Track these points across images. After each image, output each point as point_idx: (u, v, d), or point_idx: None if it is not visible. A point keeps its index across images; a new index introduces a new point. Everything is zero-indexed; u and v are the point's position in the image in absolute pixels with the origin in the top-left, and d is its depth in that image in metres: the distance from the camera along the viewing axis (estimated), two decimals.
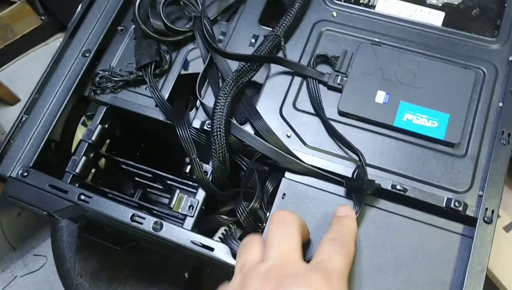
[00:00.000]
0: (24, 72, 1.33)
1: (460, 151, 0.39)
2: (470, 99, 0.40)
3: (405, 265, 0.37)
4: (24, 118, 0.45)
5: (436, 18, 0.45)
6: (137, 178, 0.52)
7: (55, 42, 1.39)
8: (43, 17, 1.33)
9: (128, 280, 0.56)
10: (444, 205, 0.37)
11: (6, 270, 1.15)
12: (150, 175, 0.48)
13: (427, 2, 0.46)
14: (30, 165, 0.42)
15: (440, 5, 0.45)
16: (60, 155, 0.47)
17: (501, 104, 0.40)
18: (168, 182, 0.47)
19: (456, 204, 0.37)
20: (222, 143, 0.40)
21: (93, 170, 0.46)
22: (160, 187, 0.53)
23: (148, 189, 0.56)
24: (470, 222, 0.37)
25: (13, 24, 1.28)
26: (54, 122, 0.44)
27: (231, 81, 0.41)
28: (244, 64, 0.42)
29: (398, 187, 0.38)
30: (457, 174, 0.38)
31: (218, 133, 0.39)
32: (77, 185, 0.43)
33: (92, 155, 0.45)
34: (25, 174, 0.42)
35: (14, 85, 1.27)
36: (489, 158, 0.38)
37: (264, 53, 0.43)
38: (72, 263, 0.60)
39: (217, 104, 0.40)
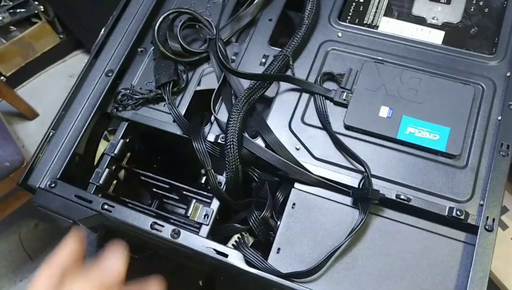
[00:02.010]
0: (43, 88, 1.39)
1: (461, 162, 0.41)
2: (469, 113, 0.42)
3: (409, 272, 0.39)
4: (51, 133, 0.48)
5: (436, 37, 0.47)
6: (154, 189, 0.55)
7: (73, 59, 1.44)
8: (61, 36, 1.39)
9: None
10: (446, 214, 0.39)
11: (24, 280, 1.18)
12: (167, 186, 0.51)
13: (427, 22, 0.48)
14: (57, 177, 0.46)
15: (440, 24, 0.48)
16: (83, 167, 0.50)
17: (499, 118, 0.42)
18: (184, 192, 0.50)
19: (458, 213, 0.39)
20: (235, 155, 0.42)
21: (114, 182, 0.49)
22: (176, 197, 0.55)
23: (164, 200, 0.58)
24: (472, 230, 0.39)
25: (34, 42, 1.34)
26: (79, 137, 0.47)
27: (243, 98, 0.44)
28: (255, 82, 0.45)
29: (402, 196, 0.40)
30: (458, 184, 0.40)
31: (231, 146, 0.42)
32: (100, 196, 0.46)
33: (114, 167, 0.48)
34: (53, 185, 0.45)
35: (33, 101, 1.32)
36: (489, 169, 0.40)
37: (274, 72, 0.46)
38: None
39: (230, 119, 0.43)
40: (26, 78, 1.40)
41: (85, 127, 0.48)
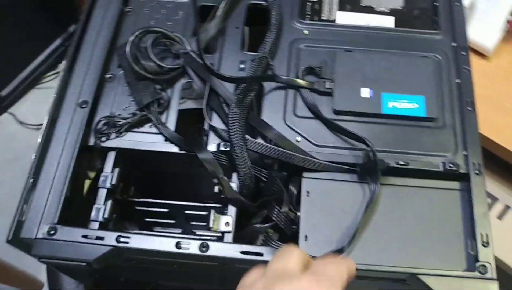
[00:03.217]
0: None
1: (440, 123, 0.47)
2: (435, 81, 0.49)
3: (424, 229, 0.43)
4: (31, 180, 0.44)
5: (388, 22, 0.53)
6: (147, 218, 0.53)
7: None
8: None
9: None
10: (442, 169, 0.44)
11: None
12: (165, 210, 0.50)
13: (376, 10, 0.54)
14: (55, 222, 0.42)
15: (387, 11, 0.54)
16: (74, 208, 0.47)
17: (458, 80, 0.49)
18: (188, 211, 0.49)
19: (451, 165, 0.44)
20: (246, 158, 0.43)
21: (113, 215, 0.46)
22: (171, 221, 0.54)
23: (157, 227, 0.56)
24: (464, 178, 0.45)
25: None
26: (69, 176, 0.44)
27: (236, 102, 0.45)
28: (242, 86, 0.47)
29: (401, 162, 0.45)
30: (443, 142, 0.46)
31: (241, 149, 0.43)
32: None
33: (112, 200, 0.46)
34: (53, 232, 0.41)
35: None
36: (463, 124, 0.46)
37: (259, 74, 0.48)
38: None
39: (231, 123, 0.44)
40: None
41: (72, 165, 0.45)
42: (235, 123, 0.44)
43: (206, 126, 0.47)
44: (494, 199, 0.72)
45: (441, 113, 0.47)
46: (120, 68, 0.51)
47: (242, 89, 0.46)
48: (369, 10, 0.54)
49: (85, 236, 0.41)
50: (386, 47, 0.51)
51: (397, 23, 0.53)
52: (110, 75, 0.51)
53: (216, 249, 0.41)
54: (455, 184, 0.45)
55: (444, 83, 0.49)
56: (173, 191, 0.52)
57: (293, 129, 0.47)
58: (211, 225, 0.43)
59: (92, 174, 0.50)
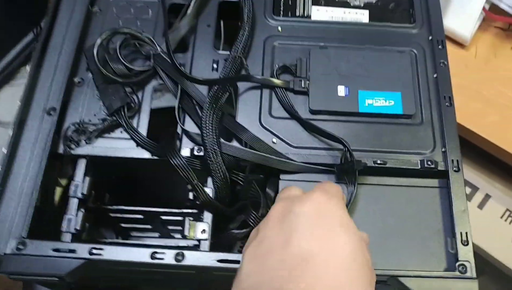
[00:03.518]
0: None
1: (418, 119, 0.46)
2: (411, 76, 0.48)
3: (404, 226, 0.42)
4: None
5: (362, 16, 0.52)
6: (122, 223, 0.51)
7: None
8: None
9: None
10: (419, 167, 0.44)
11: None
12: (140, 216, 0.48)
13: (351, 4, 0.53)
14: (24, 236, 0.40)
15: (362, 5, 0.53)
16: (43, 219, 0.45)
17: (435, 75, 0.48)
18: (164, 217, 0.48)
19: (429, 162, 0.44)
20: (220, 163, 0.42)
21: (86, 225, 0.45)
22: (148, 227, 0.53)
23: (132, 233, 0.55)
24: (442, 175, 0.44)
25: None
26: (38, 187, 0.42)
27: (209, 105, 0.44)
28: (215, 88, 0.45)
29: (378, 161, 0.44)
30: (421, 139, 0.45)
31: (214, 154, 0.42)
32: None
33: (84, 209, 0.44)
34: (21, 247, 0.40)
35: None
36: (441, 120, 0.46)
37: (232, 74, 0.46)
38: None
39: (204, 127, 0.43)
40: None
41: (41, 174, 0.43)
42: (208, 127, 0.43)
43: (179, 130, 0.46)
44: (475, 188, 0.72)
45: (419, 110, 0.47)
46: (89, 71, 0.49)
47: (215, 91, 0.45)
48: (344, 4, 0.53)
49: (56, 250, 0.40)
50: (362, 43, 0.50)
51: (371, 17, 0.52)
52: (79, 80, 0.49)
53: (192, 258, 0.40)
54: (434, 182, 0.44)
55: (421, 78, 0.48)
56: (149, 196, 0.51)
57: (269, 130, 0.45)
58: (186, 233, 0.42)
59: (64, 181, 0.49)
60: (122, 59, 0.47)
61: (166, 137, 0.44)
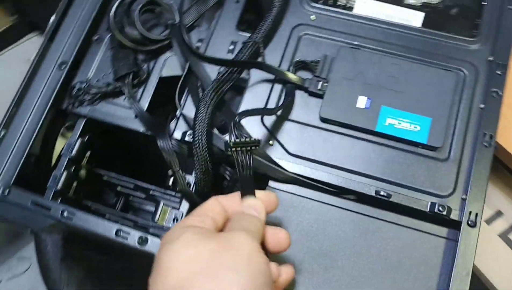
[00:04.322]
0: None
1: (443, 154, 0.39)
2: (451, 101, 0.40)
3: (390, 271, 0.37)
4: (2, 133, 0.44)
5: (415, 18, 0.44)
6: (119, 188, 0.51)
7: (28, 42, 1.35)
8: (13, 18, 1.29)
9: (115, 286, 0.55)
10: (428, 209, 0.37)
11: None
12: (131, 186, 0.48)
13: (405, 2, 0.45)
14: (11, 183, 0.42)
15: (418, 5, 0.45)
16: (40, 169, 0.46)
17: (482, 106, 0.40)
18: (151, 193, 0.47)
19: (440, 208, 0.37)
20: (205, 154, 0.39)
21: (74, 183, 0.45)
22: (142, 195, 0.52)
23: (131, 199, 0.55)
24: (455, 225, 0.37)
25: None
26: (33, 137, 0.43)
27: (211, 91, 0.41)
28: (223, 73, 0.42)
29: (382, 193, 0.38)
30: (440, 178, 0.38)
31: (200, 145, 0.39)
32: (59, 200, 0.42)
33: (73, 169, 0.44)
34: (6, 192, 0.41)
35: None
36: (472, 161, 0.38)
37: (244, 59, 0.42)
38: (58, 273, 0.59)
39: (198, 115, 0.40)
40: None
41: (39, 125, 0.43)
42: (201, 114, 0.40)
43: (178, 111, 0.43)
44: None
45: (448, 143, 0.39)
46: (109, 32, 0.48)
47: (221, 77, 0.41)
48: (397, 1, 0.45)
49: (35, 203, 0.41)
50: (404, 51, 0.43)
51: (425, 22, 0.44)
52: (98, 37, 0.48)
53: (154, 245, 0.38)
54: (443, 231, 0.38)
55: (463, 105, 0.40)
56: (141, 170, 0.50)
57: (269, 130, 0.41)
58: (156, 217, 0.40)
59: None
60: (138, 25, 0.45)
61: (159, 115, 0.42)
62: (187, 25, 0.46)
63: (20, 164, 0.42)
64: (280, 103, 0.42)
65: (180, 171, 0.40)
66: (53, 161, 0.48)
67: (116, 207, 0.52)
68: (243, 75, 0.43)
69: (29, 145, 0.43)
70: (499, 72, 0.41)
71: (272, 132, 0.41)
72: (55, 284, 0.60)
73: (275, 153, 0.40)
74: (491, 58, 0.41)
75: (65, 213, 0.40)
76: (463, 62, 0.42)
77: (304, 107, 0.42)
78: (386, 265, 0.37)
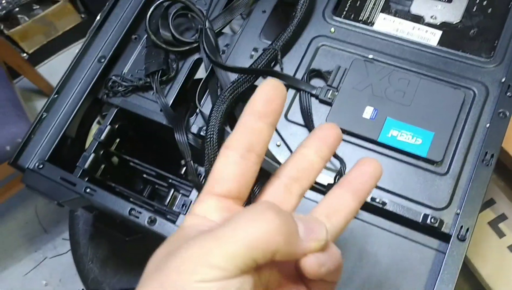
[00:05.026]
0: (64, 67, 1.42)
1: (442, 169, 0.40)
2: (456, 119, 0.41)
3: (377, 277, 0.38)
4: (43, 115, 0.49)
5: (432, 36, 0.45)
6: (145, 175, 0.56)
7: None
8: (83, 16, 1.41)
9: (133, 270, 0.60)
10: (420, 220, 0.38)
11: (38, 251, 1.24)
12: (153, 173, 0.52)
13: (425, 21, 0.46)
14: (46, 159, 0.47)
15: (438, 24, 0.46)
16: (74, 150, 0.51)
17: (488, 125, 0.40)
18: (170, 181, 0.51)
19: (432, 220, 0.38)
20: (215, 149, 0.42)
21: (102, 166, 0.50)
22: (165, 184, 0.56)
23: (157, 186, 0.59)
24: (446, 238, 0.38)
25: (55, 21, 1.37)
26: (69, 120, 0.49)
27: (227, 92, 0.44)
28: (240, 76, 0.45)
29: (377, 200, 0.40)
30: (436, 191, 0.39)
31: (211, 140, 0.42)
32: (86, 179, 0.47)
33: (101, 152, 0.49)
34: (41, 166, 0.47)
35: (53, 79, 1.36)
36: (470, 178, 0.39)
37: (261, 66, 0.45)
38: (85, 249, 0.65)
39: (213, 112, 0.43)
40: (47, 56, 1.43)
41: (75, 111, 0.49)
42: (216, 113, 0.43)
43: (198, 108, 0.47)
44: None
45: (448, 158, 0.40)
46: (146, 31, 0.52)
47: (238, 79, 0.45)
48: (417, 19, 0.47)
49: (63, 178, 0.46)
50: (416, 67, 0.44)
51: (442, 41, 0.45)
52: (136, 36, 0.53)
53: (161, 227, 0.42)
54: (434, 242, 0.39)
55: (469, 123, 0.41)
56: (166, 159, 0.54)
57: (278, 132, 0.44)
58: (166, 201, 0.44)
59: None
60: (171, 27, 0.49)
61: (180, 110, 0.46)
62: (216, 30, 0.50)
63: (56, 143, 0.48)
64: (288, 107, 0.45)
65: (192, 162, 0.44)
66: (87, 145, 0.53)
67: (143, 194, 0.57)
68: (260, 79, 0.46)
69: (65, 128, 0.48)
70: (509, 94, 0.41)
71: (280, 134, 0.44)
72: (81, 259, 0.66)
73: (281, 154, 0.43)
74: (503, 79, 0.42)
75: (88, 190, 0.45)
76: (475, 81, 0.42)
77: (314, 114, 0.44)
78: (374, 270, 0.38)
